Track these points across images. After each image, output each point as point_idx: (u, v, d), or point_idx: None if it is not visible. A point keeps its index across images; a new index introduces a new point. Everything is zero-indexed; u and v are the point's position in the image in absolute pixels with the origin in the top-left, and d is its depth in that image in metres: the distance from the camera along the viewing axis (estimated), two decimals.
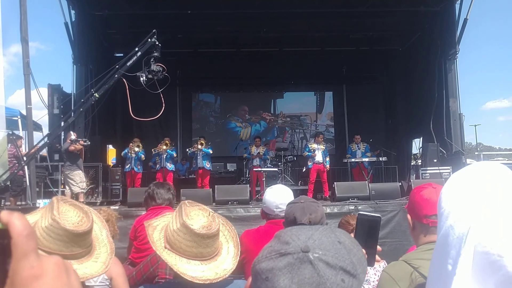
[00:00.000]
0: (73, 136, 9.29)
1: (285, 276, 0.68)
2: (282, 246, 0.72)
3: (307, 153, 11.17)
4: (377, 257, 1.22)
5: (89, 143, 9.61)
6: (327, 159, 11.22)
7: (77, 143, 9.19)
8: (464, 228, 0.56)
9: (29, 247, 0.48)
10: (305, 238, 0.72)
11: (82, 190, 9.29)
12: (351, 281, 0.70)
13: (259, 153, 11.78)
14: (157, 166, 11.38)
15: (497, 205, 0.55)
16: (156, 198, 3.45)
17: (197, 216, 1.57)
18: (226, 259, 1.55)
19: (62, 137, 11.09)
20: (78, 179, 9.21)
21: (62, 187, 10.19)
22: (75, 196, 9.19)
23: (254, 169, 11.33)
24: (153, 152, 11.43)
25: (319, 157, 11.00)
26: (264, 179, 10.64)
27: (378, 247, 1.15)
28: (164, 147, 11.15)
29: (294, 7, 11.63)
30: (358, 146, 12.24)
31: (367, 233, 1.15)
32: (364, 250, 1.03)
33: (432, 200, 1.71)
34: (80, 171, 9.32)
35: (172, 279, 1.62)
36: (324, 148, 11.23)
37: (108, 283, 2.47)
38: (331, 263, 0.69)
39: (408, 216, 1.84)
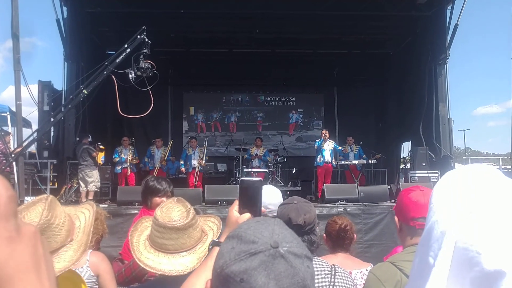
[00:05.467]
0: (89, 138, 10.27)
1: (261, 274, 0.69)
2: (249, 245, 0.72)
3: (317, 145, 11.14)
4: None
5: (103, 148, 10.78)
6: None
7: (97, 148, 10.26)
8: (448, 223, 0.59)
9: (10, 210, 0.45)
10: (269, 234, 0.74)
11: (97, 189, 10.05)
12: (310, 264, 0.74)
13: (257, 154, 11.77)
14: (151, 165, 11.67)
15: (482, 204, 0.57)
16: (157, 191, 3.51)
17: (171, 209, 1.59)
18: (193, 257, 1.55)
19: (52, 133, 11.04)
20: (96, 178, 9.99)
21: (50, 184, 10.20)
22: (94, 194, 9.87)
23: (245, 170, 11.20)
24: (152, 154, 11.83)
25: (327, 156, 10.99)
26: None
27: (263, 209, 1.24)
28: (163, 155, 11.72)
29: (287, 8, 11.63)
30: (351, 148, 12.21)
31: (250, 197, 1.23)
32: (249, 212, 1.20)
33: (419, 203, 1.72)
34: (97, 171, 10.12)
35: (157, 278, 1.61)
36: (332, 146, 11.27)
37: (95, 280, 2.46)
38: (298, 253, 0.73)
39: (396, 218, 1.85)
